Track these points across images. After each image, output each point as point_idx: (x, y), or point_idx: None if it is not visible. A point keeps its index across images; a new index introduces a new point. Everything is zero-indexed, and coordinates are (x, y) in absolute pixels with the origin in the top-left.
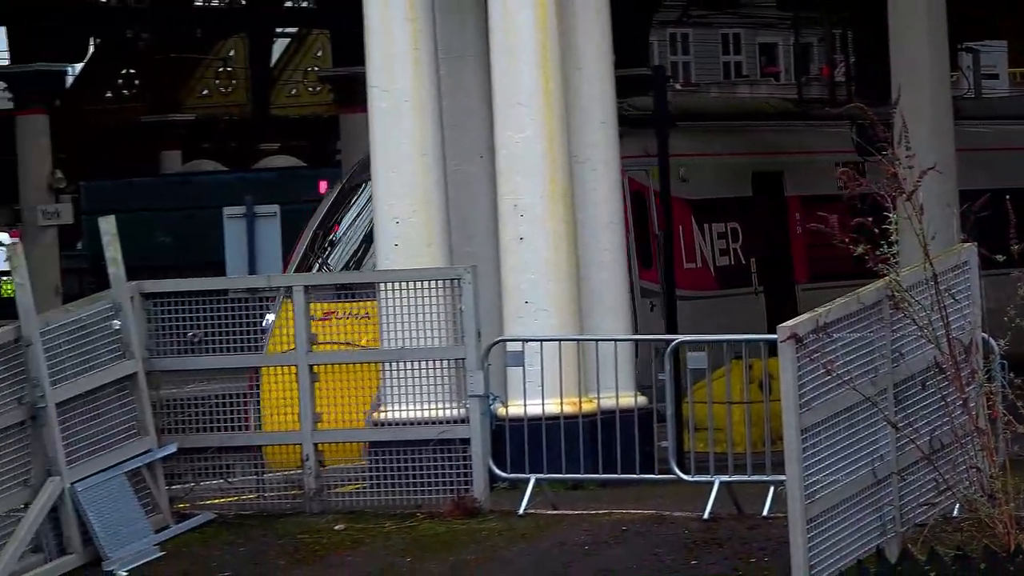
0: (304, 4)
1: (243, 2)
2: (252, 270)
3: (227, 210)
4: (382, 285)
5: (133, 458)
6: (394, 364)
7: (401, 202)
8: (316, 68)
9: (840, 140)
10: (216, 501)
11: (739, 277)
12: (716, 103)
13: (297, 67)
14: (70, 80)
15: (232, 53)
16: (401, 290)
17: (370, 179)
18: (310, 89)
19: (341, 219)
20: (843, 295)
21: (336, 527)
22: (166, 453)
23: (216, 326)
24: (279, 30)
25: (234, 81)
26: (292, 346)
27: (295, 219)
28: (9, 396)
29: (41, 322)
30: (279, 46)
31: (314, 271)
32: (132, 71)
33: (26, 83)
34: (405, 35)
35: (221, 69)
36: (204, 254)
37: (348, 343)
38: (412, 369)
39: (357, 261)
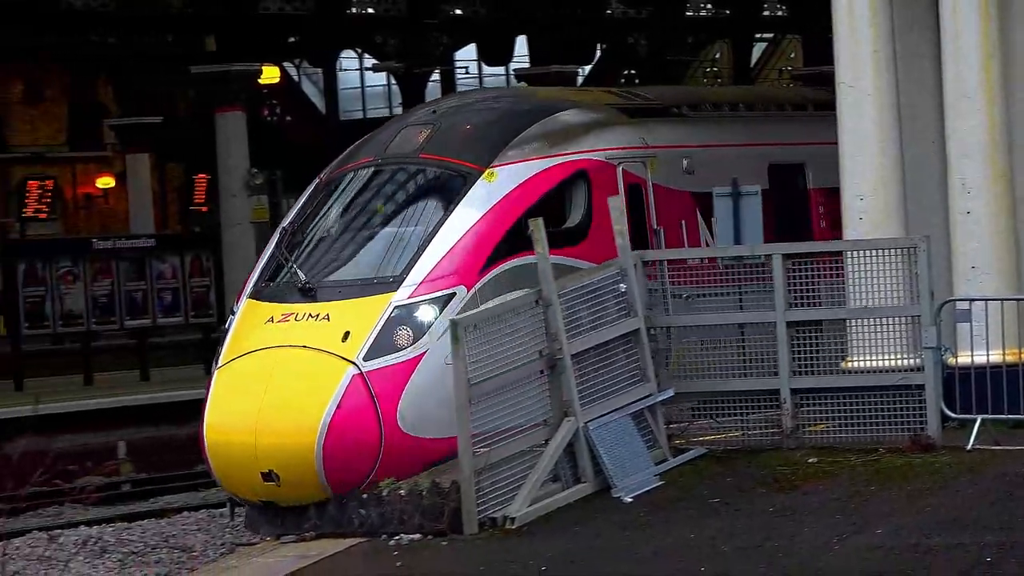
0: (780, 13)
1: (727, 12)
2: (737, 241)
3: (716, 189)
4: (849, 252)
5: (636, 401)
6: (859, 320)
7: (864, 181)
8: (789, 68)
9: None
10: (707, 438)
11: None
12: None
13: (773, 67)
14: (579, 81)
15: (718, 56)
16: (865, 257)
17: (346, 173)
18: (785, 86)
19: (317, 215)
20: None
21: (809, 460)
22: (664, 397)
23: (706, 289)
24: (758, 35)
25: (719, 80)
26: (249, 349)
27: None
28: (532, 349)
29: (559, 286)
30: (757, 49)
31: (284, 269)
32: (632, 72)
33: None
34: (867, 38)
35: (708, 70)
36: None
37: (305, 346)
38: (875, 325)
39: (332, 260)
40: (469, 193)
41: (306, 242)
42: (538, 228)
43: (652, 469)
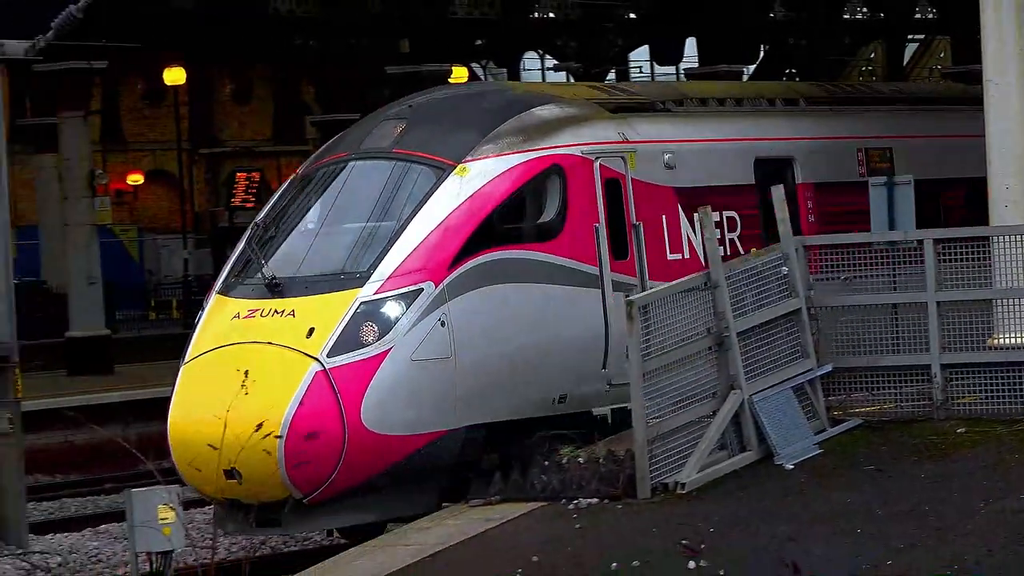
0: (930, 15)
1: (881, 15)
2: (891, 227)
3: (872, 179)
4: (996, 237)
5: (797, 376)
6: (1006, 300)
7: (1010, 171)
8: (939, 67)
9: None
10: (863, 410)
11: None
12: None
13: (924, 66)
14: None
15: (873, 55)
16: (1011, 242)
17: (321, 167)
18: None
19: (289, 210)
20: None
21: (958, 430)
22: (823, 372)
23: (862, 271)
24: (910, 36)
25: (874, 78)
26: (213, 345)
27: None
28: (700, 327)
29: (726, 268)
30: (909, 49)
31: (253, 265)
32: (793, 71)
33: None
34: (1012, 37)
35: (864, 68)
36: None
37: (270, 342)
38: (1019, 304)
39: (301, 256)
40: (440, 188)
41: (276, 237)
42: (706, 215)
43: (812, 438)
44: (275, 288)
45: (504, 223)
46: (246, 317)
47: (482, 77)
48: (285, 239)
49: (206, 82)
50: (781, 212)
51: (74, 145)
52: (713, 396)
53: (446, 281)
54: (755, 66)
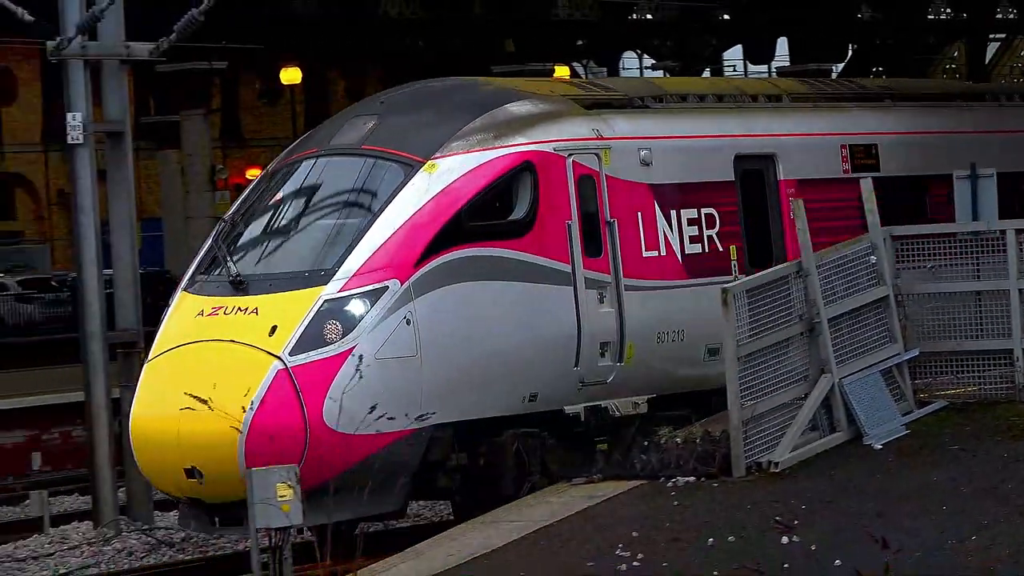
0: (1011, 15)
1: (963, 15)
2: (975, 217)
3: (956, 172)
4: None
5: (885, 360)
6: None
7: None
8: (1020, 65)
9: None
10: (948, 392)
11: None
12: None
13: (1005, 64)
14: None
15: (956, 54)
16: None
17: (290, 163)
18: (1015, 81)
19: (257, 206)
20: None
21: None
22: (910, 356)
23: (947, 260)
24: (991, 35)
25: (957, 76)
26: (177, 343)
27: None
28: (792, 314)
29: (817, 257)
30: (992, 48)
31: (218, 262)
32: (880, 69)
33: None
34: None
35: (948, 67)
36: None
37: (232, 340)
38: None
39: (266, 253)
40: (408, 185)
41: (243, 234)
42: (798, 207)
43: (899, 419)
44: (239, 286)
45: (472, 220)
46: (210, 315)
47: (583, 75)
48: (251, 236)
49: (321, 82)
50: (869, 203)
51: (195, 141)
52: (804, 379)
53: (412, 279)
54: (843, 64)
